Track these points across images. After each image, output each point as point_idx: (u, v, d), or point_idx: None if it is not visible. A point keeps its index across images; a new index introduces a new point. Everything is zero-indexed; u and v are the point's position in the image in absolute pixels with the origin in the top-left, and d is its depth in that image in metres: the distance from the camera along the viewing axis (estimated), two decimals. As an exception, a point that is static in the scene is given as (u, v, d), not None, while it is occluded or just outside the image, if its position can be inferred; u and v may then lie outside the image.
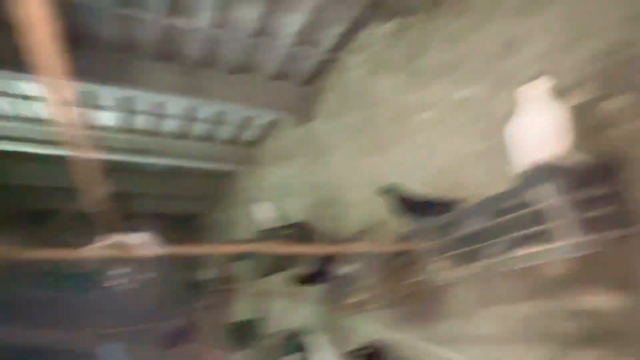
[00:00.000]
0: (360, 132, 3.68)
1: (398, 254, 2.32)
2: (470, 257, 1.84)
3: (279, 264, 4.75)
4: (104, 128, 5.73)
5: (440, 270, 1.97)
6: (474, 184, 2.43)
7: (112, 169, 7.43)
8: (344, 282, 2.61)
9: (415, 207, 2.17)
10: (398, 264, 2.31)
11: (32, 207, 8.49)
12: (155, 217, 9.36)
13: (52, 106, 0.89)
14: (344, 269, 2.62)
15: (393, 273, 2.30)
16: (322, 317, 3.94)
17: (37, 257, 1.67)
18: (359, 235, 2.91)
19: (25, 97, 4.90)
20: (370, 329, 3.19)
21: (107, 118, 5.44)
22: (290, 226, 4.48)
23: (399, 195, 2.32)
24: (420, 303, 2.53)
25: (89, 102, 4.97)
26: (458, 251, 1.86)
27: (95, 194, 1.25)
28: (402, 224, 2.46)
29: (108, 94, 4.64)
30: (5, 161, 6.77)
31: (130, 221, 1.98)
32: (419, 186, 2.70)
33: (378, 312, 2.50)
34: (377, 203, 3.30)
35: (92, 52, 3.85)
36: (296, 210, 4.84)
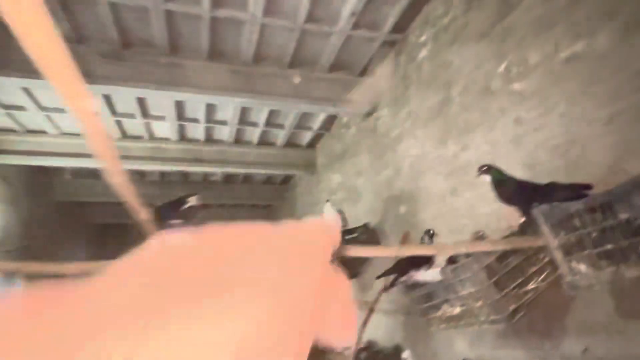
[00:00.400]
0: (435, 117, 3.21)
1: (509, 253, 1.84)
2: (627, 254, 1.34)
3: (348, 270, 4.36)
4: (160, 139, 5.72)
5: (576, 273, 1.48)
6: (602, 162, 1.89)
7: (170, 180, 7.48)
8: (435, 290, 2.15)
9: (534, 192, 1.68)
10: (509, 266, 1.83)
11: (97, 221, 8.82)
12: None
13: (74, 115, 0.61)
14: (433, 275, 2.17)
15: (502, 278, 1.82)
16: (405, 331, 3.48)
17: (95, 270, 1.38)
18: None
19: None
20: (466, 346, 2.69)
21: (162, 127, 5.40)
22: (356, 229, 4.09)
23: (507, 179, 1.85)
24: (539, 314, 2.01)
25: (144, 111, 4.93)
26: (608, 246, 1.36)
27: (133, 204, 0.97)
28: (511, 215, 1.98)
29: (161, 99, 4.54)
30: (74, 179, 7.03)
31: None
32: (518, 171, 2.20)
33: (479, 325, 2.02)
34: (461, 194, 2.83)
35: (141, 56, 3.73)
36: (363, 211, 4.43)
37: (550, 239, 1.50)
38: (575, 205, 1.42)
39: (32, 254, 6.19)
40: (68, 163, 5.81)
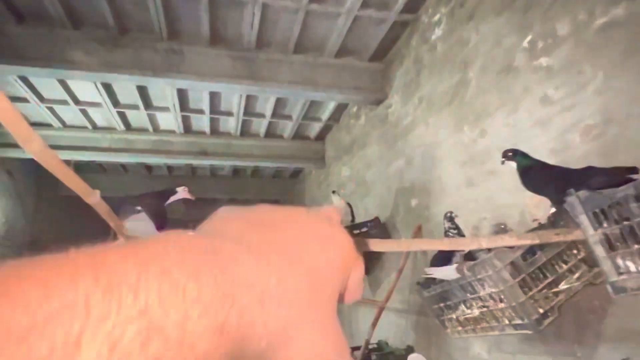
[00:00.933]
0: (450, 102, 2.96)
1: (536, 249, 1.60)
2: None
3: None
4: (165, 131, 5.58)
5: (622, 272, 1.24)
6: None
7: (178, 174, 7.34)
8: (451, 289, 1.93)
9: (568, 178, 1.44)
10: (536, 264, 1.59)
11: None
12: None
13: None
14: (448, 272, 1.94)
15: (529, 277, 1.58)
16: (418, 332, 3.25)
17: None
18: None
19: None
20: (485, 350, 2.46)
21: (166, 119, 5.25)
22: (366, 223, 3.87)
23: (536, 164, 1.60)
24: (570, 318, 1.77)
25: (147, 102, 4.78)
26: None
27: (76, 187, 0.77)
28: (538, 206, 1.74)
29: (163, 89, 4.37)
30: (79, 173, 6.94)
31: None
32: (545, 156, 1.95)
33: (500, 330, 1.79)
34: (479, 184, 2.59)
35: (139, 42, 3.56)
36: (373, 204, 4.21)
37: (589, 231, 1.26)
38: (623, 191, 1.18)
39: (38, 249, 6.11)
40: (72, 156, 5.69)
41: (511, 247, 1.59)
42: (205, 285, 0.18)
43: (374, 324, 3.19)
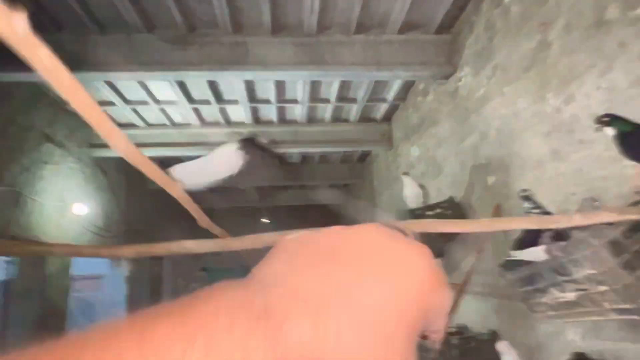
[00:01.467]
0: (528, 68, 2.71)
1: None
2: None
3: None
4: (236, 123, 5.79)
5: None
6: None
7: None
8: (539, 272, 1.78)
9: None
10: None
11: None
12: (298, 208, 9.51)
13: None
14: (535, 254, 1.80)
15: (635, 256, 1.41)
16: (501, 317, 3.09)
17: (150, 253, 1.34)
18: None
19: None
20: (579, 337, 2.26)
21: (237, 111, 5.44)
22: (440, 204, 3.72)
23: (636, 129, 1.41)
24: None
25: (218, 96, 4.99)
26: None
27: (173, 191, 0.81)
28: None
29: (232, 82, 4.53)
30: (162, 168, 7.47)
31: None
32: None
33: (602, 315, 1.62)
34: (567, 157, 2.35)
35: (206, 38, 3.70)
36: (446, 184, 4.03)
37: None
38: None
39: (133, 238, 6.76)
40: (157, 153, 6.13)
41: (610, 224, 1.42)
42: (253, 358, 0.17)
43: (454, 307, 3.08)
